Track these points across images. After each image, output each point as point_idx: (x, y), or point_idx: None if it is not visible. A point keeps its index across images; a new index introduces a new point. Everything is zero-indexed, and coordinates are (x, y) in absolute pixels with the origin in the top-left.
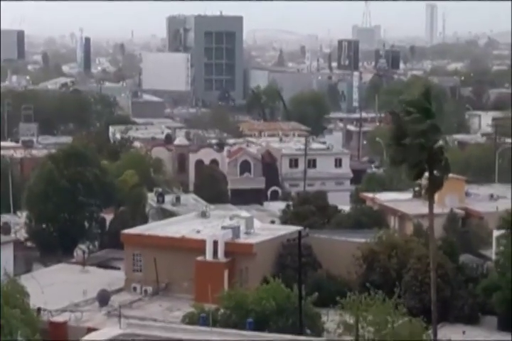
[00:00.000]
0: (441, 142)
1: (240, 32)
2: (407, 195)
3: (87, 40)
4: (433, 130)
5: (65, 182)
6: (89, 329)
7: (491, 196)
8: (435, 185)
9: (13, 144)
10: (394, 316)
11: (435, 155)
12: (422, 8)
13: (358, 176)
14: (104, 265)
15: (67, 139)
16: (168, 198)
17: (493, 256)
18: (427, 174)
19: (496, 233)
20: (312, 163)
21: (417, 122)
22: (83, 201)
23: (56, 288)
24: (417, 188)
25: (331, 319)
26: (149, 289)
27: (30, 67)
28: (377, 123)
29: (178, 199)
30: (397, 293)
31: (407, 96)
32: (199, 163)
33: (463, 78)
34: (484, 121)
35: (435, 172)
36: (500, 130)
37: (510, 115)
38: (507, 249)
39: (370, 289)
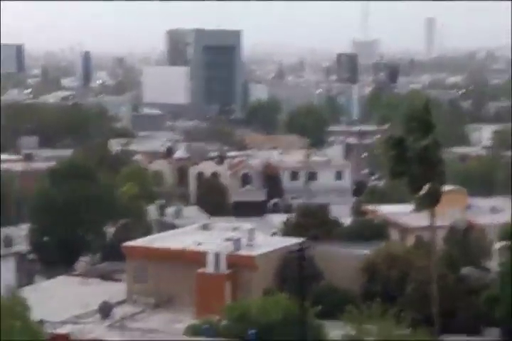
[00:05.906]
0: (441, 156)
1: (239, 46)
2: (408, 208)
3: (87, 53)
4: (434, 144)
5: (66, 196)
6: None
7: (492, 208)
8: (435, 198)
9: (13, 157)
10: (397, 327)
11: (435, 168)
12: (421, 22)
13: (358, 188)
14: (106, 277)
15: (67, 152)
16: (169, 210)
17: (495, 268)
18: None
19: (497, 245)
20: (313, 176)
21: (418, 136)
22: (85, 214)
23: (58, 300)
24: (418, 201)
25: (334, 331)
26: (151, 301)
27: (29, 81)
28: (377, 136)
29: (179, 211)
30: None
31: (408, 110)
32: (200, 176)
33: (462, 91)
34: (485, 133)
35: (435, 184)
36: (501, 143)
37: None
38: (508, 260)
39: (372, 301)
